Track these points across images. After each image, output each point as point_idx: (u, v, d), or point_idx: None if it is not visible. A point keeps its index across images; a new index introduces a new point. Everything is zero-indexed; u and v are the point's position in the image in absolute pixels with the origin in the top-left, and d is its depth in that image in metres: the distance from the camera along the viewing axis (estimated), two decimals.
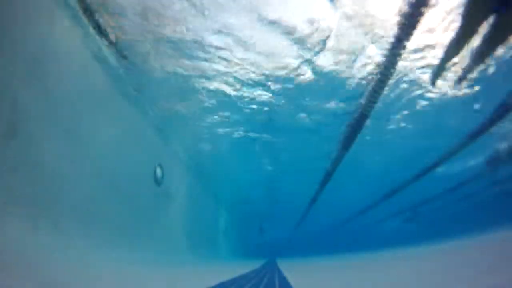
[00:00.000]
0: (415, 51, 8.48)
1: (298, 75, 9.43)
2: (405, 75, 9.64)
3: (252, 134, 13.18)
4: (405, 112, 11.83)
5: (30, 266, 4.19)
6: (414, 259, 11.11)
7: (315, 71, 9.23)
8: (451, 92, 10.46)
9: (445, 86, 9.94)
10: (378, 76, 8.03)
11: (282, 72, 9.31)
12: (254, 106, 11.03)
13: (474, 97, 10.71)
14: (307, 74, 9.41)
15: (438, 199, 22.73)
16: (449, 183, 19.32)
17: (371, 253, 18.87)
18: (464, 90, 10.40)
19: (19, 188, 4.83)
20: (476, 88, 10.28)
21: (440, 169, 16.43)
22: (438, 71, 8.61)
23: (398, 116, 12.14)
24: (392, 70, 7.75)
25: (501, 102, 10.38)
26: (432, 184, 18.89)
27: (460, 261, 7.61)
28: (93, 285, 4.71)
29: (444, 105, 11.23)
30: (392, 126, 12.87)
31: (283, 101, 10.76)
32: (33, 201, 5.09)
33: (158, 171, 10.77)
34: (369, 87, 9.02)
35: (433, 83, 9.52)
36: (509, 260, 5.78)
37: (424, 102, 11.21)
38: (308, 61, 8.78)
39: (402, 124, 12.70)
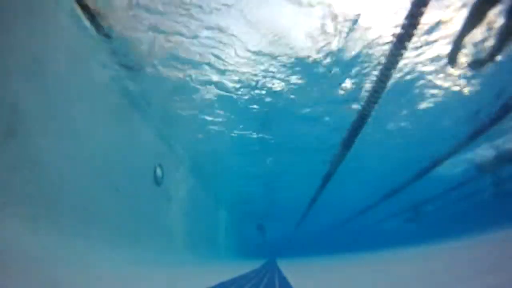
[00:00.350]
0: (416, 48, 8.46)
1: (310, 65, 9.11)
2: (407, 74, 9.63)
3: (252, 133, 13.16)
4: (406, 111, 11.83)
5: (30, 266, 4.19)
6: (416, 259, 11.10)
7: (334, 58, 8.75)
8: (453, 90, 10.36)
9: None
10: (379, 75, 8.02)
11: (288, 64, 9.08)
12: (256, 105, 11.00)
13: (475, 97, 10.70)
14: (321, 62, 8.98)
15: (439, 199, 22.74)
16: (450, 182, 19.33)
17: (373, 253, 18.87)
18: (465, 90, 10.39)
19: (19, 188, 4.83)
20: (477, 88, 10.28)
21: (441, 169, 16.44)
22: (457, 48, 7.96)
23: (399, 116, 12.12)
24: (392, 71, 7.75)
25: (503, 102, 10.39)
26: (433, 183, 18.90)
27: (461, 260, 7.60)
28: (93, 285, 4.71)
29: (445, 105, 11.22)
30: (392, 126, 12.86)
31: (287, 98, 10.64)
32: (33, 201, 5.08)
33: (158, 171, 10.76)
34: (370, 87, 9.00)
35: (452, 62, 8.55)
36: (509, 260, 5.77)
37: (425, 101, 11.20)
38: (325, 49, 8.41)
39: (403, 124, 12.68)
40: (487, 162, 15.76)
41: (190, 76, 9.25)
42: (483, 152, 15.31)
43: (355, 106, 10.43)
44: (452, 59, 8.35)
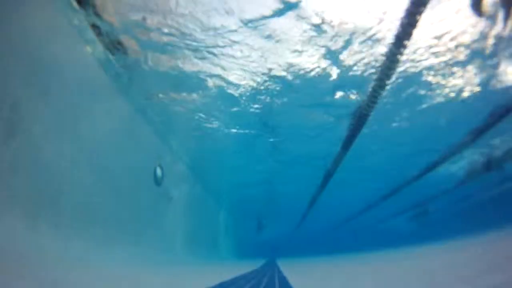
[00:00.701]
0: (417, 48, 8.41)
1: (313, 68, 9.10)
2: (406, 75, 9.60)
3: (253, 131, 13.11)
4: (406, 111, 11.79)
5: (30, 266, 4.19)
6: (417, 258, 11.08)
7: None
8: (455, 89, 10.30)
9: None
10: (378, 75, 8.00)
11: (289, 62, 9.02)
12: (257, 104, 10.95)
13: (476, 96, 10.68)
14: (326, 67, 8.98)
15: (439, 199, 22.70)
16: (451, 182, 19.28)
17: (373, 253, 18.85)
18: (467, 90, 10.38)
19: (19, 188, 4.83)
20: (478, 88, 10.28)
21: (441, 169, 16.42)
22: None
23: (399, 115, 12.09)
24: (392, 71, 7.71)
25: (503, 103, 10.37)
26: (434, 183, 18.86)
27: (462, 260, 7.59)
28: (93, 284, 4.70)
29: (446, 103, 11.19)
30: (394, 125, 12.80)
31: (288, 96, 10.56)
32: (33, 201, 5.09)
33: (158, 171, 10.76)
34: (370, 87, 8.98)
35: (476, 9, 7.55)
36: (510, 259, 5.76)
37: (426, 101, 11.16)
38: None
39: (404, 123, 12.62)
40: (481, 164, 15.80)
41: (190, 75, 9.23)
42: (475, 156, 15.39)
43: (356, 106, 10.39)
44: (476, 5, 7.28)
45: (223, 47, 8.24)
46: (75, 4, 6.22)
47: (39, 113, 5.42)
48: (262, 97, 10.64)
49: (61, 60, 6.19)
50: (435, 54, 8.86)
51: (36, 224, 5.06)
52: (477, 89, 10.32)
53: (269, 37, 8.02)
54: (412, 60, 9.05)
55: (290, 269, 12.36)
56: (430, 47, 8.53)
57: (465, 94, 10.65)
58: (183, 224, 14.00)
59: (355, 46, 8.42)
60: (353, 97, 10.33)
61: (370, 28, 7.83)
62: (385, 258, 14.03)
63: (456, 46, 8.58)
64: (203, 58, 8.60)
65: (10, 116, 4.77)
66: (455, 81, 10.13)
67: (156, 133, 11.64)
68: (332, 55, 8.80)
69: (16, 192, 4.78)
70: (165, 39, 7.73)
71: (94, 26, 6.75)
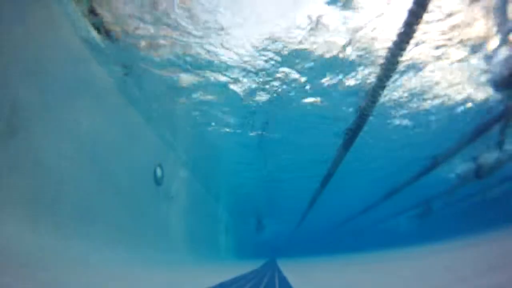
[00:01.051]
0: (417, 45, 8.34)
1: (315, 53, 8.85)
2: (407, 73, 9.59)
3: (253, 131, 13.10)
4: (407, 111, 11.79)
5: (30, 266, 4.19)
6: (420, 258, 11.08)
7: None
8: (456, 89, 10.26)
9: None
10: (379, 75, 8.01)
11: (289, 61, 8.91)
12: (256, 104, 10.92)
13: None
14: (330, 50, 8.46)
15: (439, 199, 22.70)
16: (450, 182, 19.28)
17: (375, 253, 18.84)
18: (466, 89, 10.37)
19: (19, 188, 4.83)
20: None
21: (441, 169, 16.42)
22: None
23: (399, 114, 12.08)
24: (390, 72, 7.72)
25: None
26: (434, 183, 18.86)
27: (462, 260, 7.59)
28: (93, 285, 4.70)
29: (446, 103, 11.19)
30: (395, 123, 12.77)
31: (288, 95, 10.50)
32: (33, 201, 5.08)
33: (158, 171, 10.76)
34: (370, 87, 8.98)
35: None
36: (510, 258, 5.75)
37: (427, 101, 11.16)
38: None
39: (405, 122, 12.60)
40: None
41: (191, 75, 9.23)
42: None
43: (357, 104, 10.37)
44: None
45: (224, 47, 8.22)
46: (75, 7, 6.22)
47: (39, 113, 5.41)
48: (263, 96, 10.64)
49: (61, 60, 6.18)
50: (437, 55, 8.86)
51: (36, 224, 5.05)
52: (481, 89, 10.32)
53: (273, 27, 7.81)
54: (414, 59, 9.02)
55: (290, 269, 12.36)
56: (433, 46, 8.49)
57: (465, 96, 10.66)
58: (183, 224, 14.00)
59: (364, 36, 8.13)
60: (354, 87, 10.11)
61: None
62: (385, 258, 14.02)
63: (459, 46, 8.55)
64: (203, 60, 8.59)
65: (10, 116, 4.77)
66: (458, 81, 10.13)
67: (156, 133, 11.63)
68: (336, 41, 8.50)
69: (16, 192, 4.78)
70: (167, 42, 7.74)
71: (96, 27, 6.75)
